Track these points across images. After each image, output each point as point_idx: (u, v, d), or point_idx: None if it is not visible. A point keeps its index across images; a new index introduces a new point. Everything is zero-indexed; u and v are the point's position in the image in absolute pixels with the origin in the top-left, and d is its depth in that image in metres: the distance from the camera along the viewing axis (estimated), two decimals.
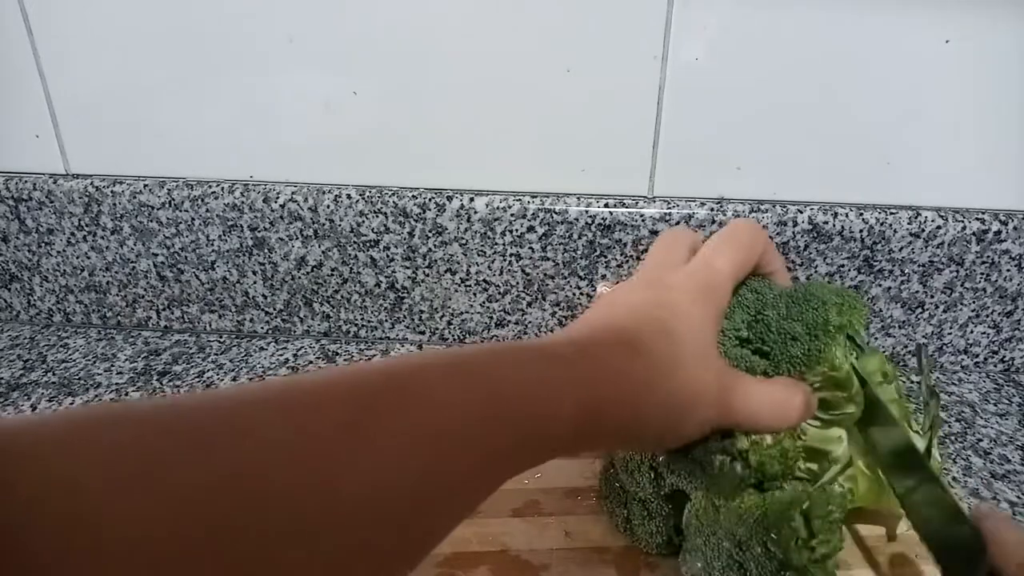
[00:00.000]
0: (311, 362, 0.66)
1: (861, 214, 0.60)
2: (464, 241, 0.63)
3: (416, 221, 0.63)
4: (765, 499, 0.37)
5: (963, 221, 0.60)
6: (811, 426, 0.39)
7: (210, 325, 0.70)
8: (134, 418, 0.21)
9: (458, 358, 0.29)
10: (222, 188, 0.64)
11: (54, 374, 0.65)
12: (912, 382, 0.63)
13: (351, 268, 0.66)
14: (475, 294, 0.66)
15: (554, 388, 0.30)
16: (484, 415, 0.28)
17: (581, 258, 0.63)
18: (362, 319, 0.68)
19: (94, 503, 0.18)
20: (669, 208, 0.61)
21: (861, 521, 0.46)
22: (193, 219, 0.65)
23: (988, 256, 0.60)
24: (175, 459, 0.20)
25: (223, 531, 0.20)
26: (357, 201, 0.63)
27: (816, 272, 0.62)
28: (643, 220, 0.61)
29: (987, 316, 0.63)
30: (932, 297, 0.62)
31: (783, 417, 0.36)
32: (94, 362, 0.66)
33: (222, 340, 0.70)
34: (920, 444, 0.40)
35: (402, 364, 0.28)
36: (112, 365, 0.66)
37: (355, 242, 0.64)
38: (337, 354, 0.67)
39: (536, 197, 0.62)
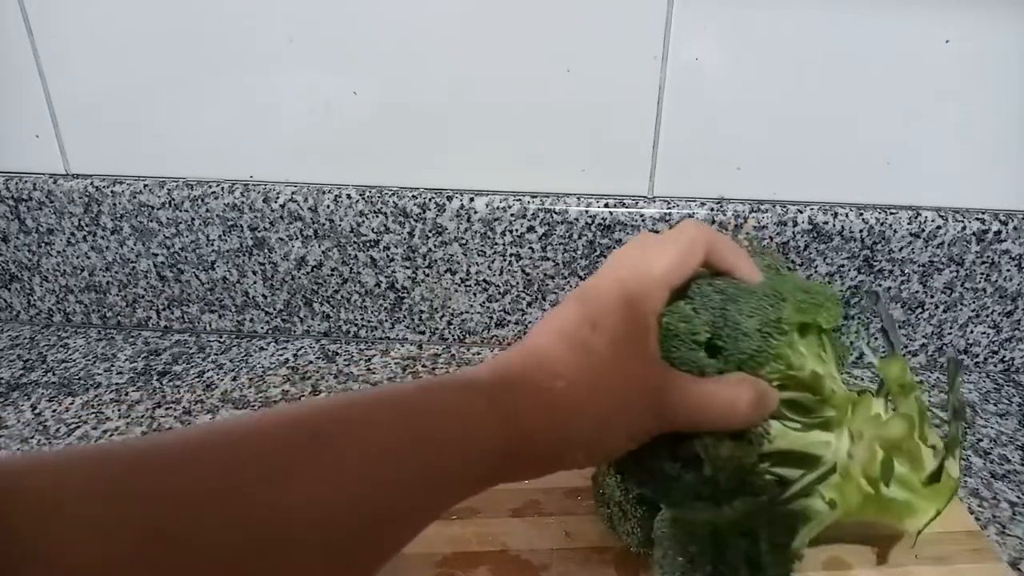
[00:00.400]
0: (311, 362, 0.66)
1: (861, 214, 0.60)
2: (464, 241, 0.63)
3: (416, 221, 0.63)
4: (715, 516, 0.36)
5: (963, 221, 0.60)
6: (790, 428, 0.37)
7: (210, 325, 0.70)
8: (114, 457, 0.24)
9: (383, 396, 0.30)
10: (222, 188, 0.64)
11: (54, 374, 0.65)
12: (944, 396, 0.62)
13: (351, 268, 0.66)
14: (475, 294, 0.66)
15: (478, 424, 0.31)
16: (408, 452, 0.29)
17: (581, 258, 0.63)
18: (362, 319, 0.68)
19: (76, 535, 0.21)
20: (669, 208, 0.61)
21: (849, 539, 0.44)
22: (193, 219, 0.65)
23: (988, 256, 0.60)
24: (139, 495, 0.23)
25: (170, 557, 0.23)
26: (357, 201, 0.63)
27: (816, 272, 0.62)
28: (643, 220, 0.61)
29: (987, 316, 0.63)
30: (932, 297, 0.62)
31: (730, 415, 0.35)
32: (94, 362, 0.66)
33: (222, 340, 0.70)
34: (929, 463, 0.39)
35: (327, 405, 0.29)
36: (112, 365, 0.66)
37: (355, 242, 0.64)
38: (337, 354, 0.67)
39: (536, 197, 0.62)
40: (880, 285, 0.62)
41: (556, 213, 0.62)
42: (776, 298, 0.38)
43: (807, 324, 0.37)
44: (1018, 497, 0.51)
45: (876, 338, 0.64)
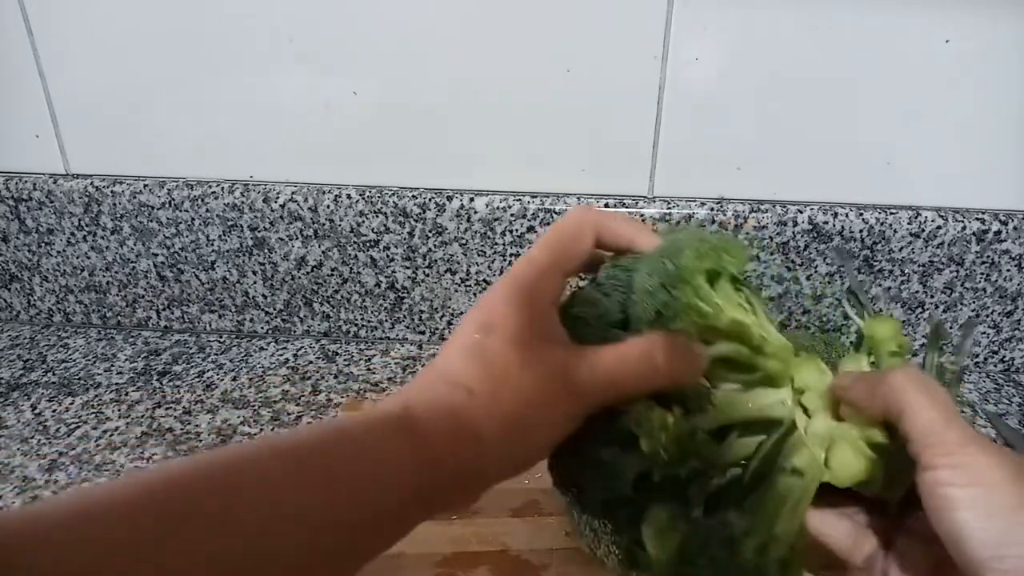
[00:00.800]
0: (311, 362, 0.66)
1: (861, 214, 0.60)
2: (464, 241, 0.63)
3: (416, 221, 0.63)
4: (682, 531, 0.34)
5: (963, 221, 0.59)
6: (734, 393, 0.35)
7: (210, 325, 0.70)
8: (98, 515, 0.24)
9: (285, 446, 0.29)
10: (222, 188, 0.64)
11: (54, 374, 0.65)
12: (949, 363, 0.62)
13: (351, 268, 0.66)
14: (475, 294, 0.66)
15: (386, 459, 0.30)
16: (312, 505, 0.28)
17: None
18: (362, 319, 0.68)
19: None
20: (669, 208, 0.61)
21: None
22: (193, 219, 0.65)
23: (988, 256, 0.60)
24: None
25: None
26: (357, 201, 0.63)
27: (816, 272, 0.62)
28: (643, 220, 0.61)
29: (987, 316, 0.63)
30: (932, 297, 0.62)
31: (648, 372, 0.33)
32: (94, 362, 0.66)
33: (222, 340, 0.70)
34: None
35: (227, 459, 0.28)
36: (112, 365, 0.66)
37: (355, 242, 0.64)
38: (337, 354, 0.67)
39: (536, 197, 0.62)
40: (880, 285, 0.62)
41: (556, 213, 0.61)
42: (674, 250, 0.35)
43: (715, 272, 0.35)
44: None
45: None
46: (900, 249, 0.60)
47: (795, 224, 0.60)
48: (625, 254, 0.38)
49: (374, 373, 0.65)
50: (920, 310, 0.63)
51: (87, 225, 0.66)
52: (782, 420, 0.35)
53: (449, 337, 0.35)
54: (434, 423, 0.31)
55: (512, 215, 0.62)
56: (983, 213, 0.60)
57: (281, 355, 0.67)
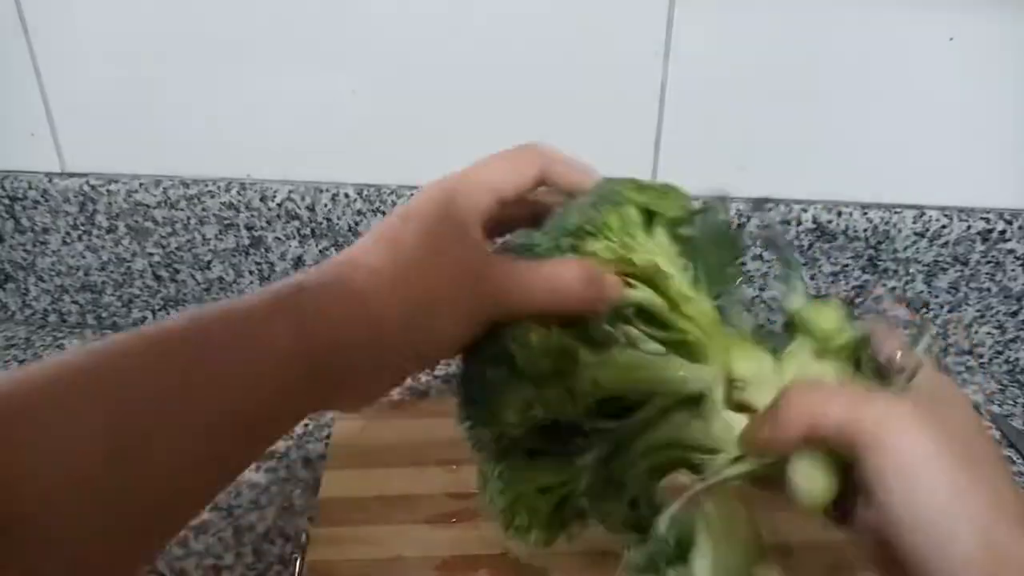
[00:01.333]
0: None
1: (865, 213, 0.59)
2: None
3: None
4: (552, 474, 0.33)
5: (968, 220, 0.59)
6: (644, 350, 0.33)
7: None
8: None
9: (158, 331, 0.28)
10: (218, 187, 0.63)
11: None
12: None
13: None
14: None
15: (265, 331, 0.29)
16: (184, 385, 0.27)
17: None
18: None
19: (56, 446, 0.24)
20: None
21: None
22: (189, 218, 0.64)
23: (993, 256, 0.60)
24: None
25: None
26: (355, 200, 0.62)
27: (820, 272, 0.61)
28: None
29: (992, 316, 0.63)
30: (937, 297, 0.62)
31: (557, 288, 0.33)
32: None
33: None
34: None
35: (98, 351, 0.27)
36: None
37: (353, 241, 0.64)
38: None
39: None
40: (884, 284, 0.62)
41: None
42: (614, 180, 0.35)
43: (651, 213, 0.34)
44: None
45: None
46: (905, 248, 0.60)
47: (799, 223, 0.60)
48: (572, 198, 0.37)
49: None
50: (924, 310, 0.63)
51: (82, 224, 0.66)
52: (693, 397, 0.33)
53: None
54: (326, 300, 0.30)
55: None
56: (988, 212, 0.59)
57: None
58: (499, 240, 0.38)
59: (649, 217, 0.34)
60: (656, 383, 0.33)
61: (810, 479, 0.28)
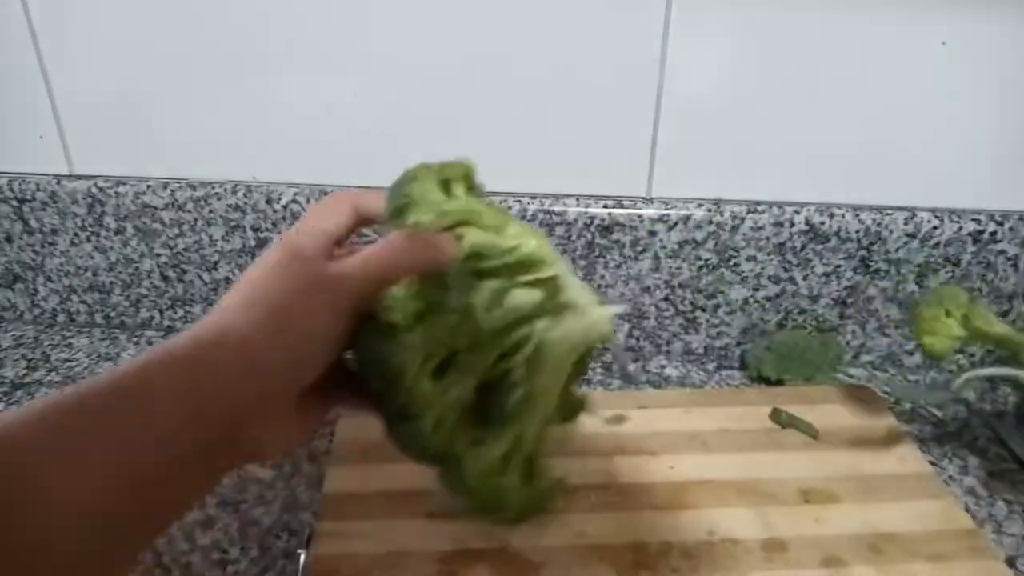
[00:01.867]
0: None
1: (857, 215, 0.60)
2: None
3: None
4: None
5: (959, 221, 0.60)
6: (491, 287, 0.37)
7: None
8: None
9: (73, 395, 0.29)
10: (225, 189, 0.64)
11: (58, 373, 0.65)
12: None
13: None
14: None
15: (155, 407, 0.30)
16: (85, 447, 0.28)
17: (580, 259, 0.63)
18: None
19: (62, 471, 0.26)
20: (667, 209, 0.61)
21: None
22: (196, 220, 0.65)
23: (984, 256, 0.61)
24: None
25: None
26: None
27: (812, 272, 0.62)
28: (641, 221, 0.61)
29: None
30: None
31: (395, 259, 0.36)
32: (98, 361, 0.67)
33: None
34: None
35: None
36: (116, 364, 0.66)
37: (356, 242, 0.64)
38: None
39: (535, 198, 0.63)
40: (876, 285, 0.63)
41: (555, 214, 0.62)
42: (405, 173, 0.41)
43: (446, 182, 0.40)
44: (1014, 495, 0.51)
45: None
46: (896, 250, 0.61)
47: (792, 225, 0.61)
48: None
49: None
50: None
51: (91, 226, 0.67)
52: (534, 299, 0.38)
53: None
54: (195, 345, 0.32)
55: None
56: (979, 214, 0.60)
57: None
58: None
59: (446, 184, 0.40)
60: (507, 307, 0.37)
61: None
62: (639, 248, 0.62)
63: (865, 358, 0.66)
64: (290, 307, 0.34)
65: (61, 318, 0.72)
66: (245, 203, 0.64)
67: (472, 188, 0.42)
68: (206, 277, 0.68)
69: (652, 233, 0.62)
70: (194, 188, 0.64)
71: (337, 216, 0.40)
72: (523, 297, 0.37)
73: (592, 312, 0.39)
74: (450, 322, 0.36)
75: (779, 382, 0.62)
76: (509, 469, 0.39)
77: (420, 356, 0.35)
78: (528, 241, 0.38)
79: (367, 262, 0.36)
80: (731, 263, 0.62)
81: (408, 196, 0.39)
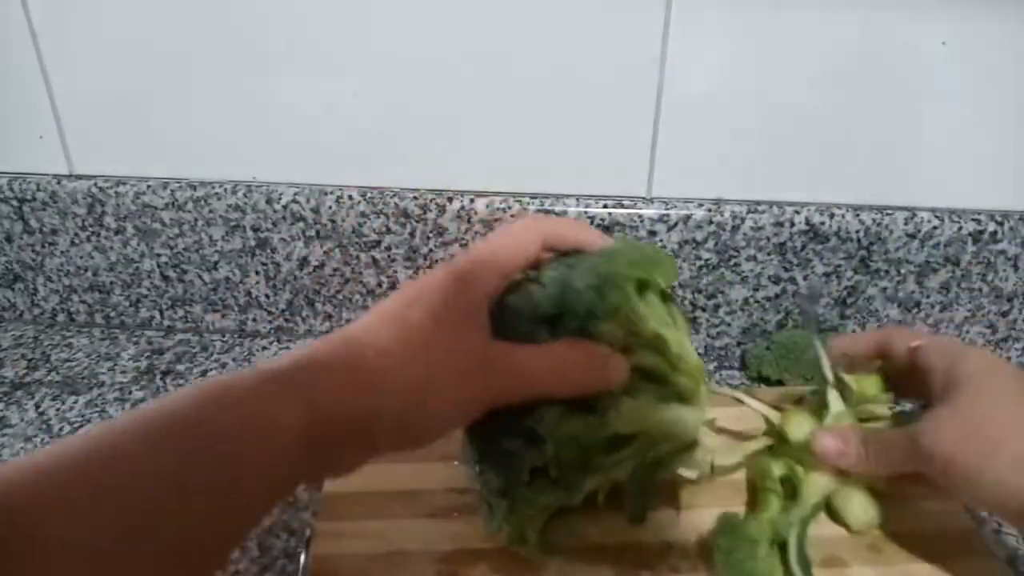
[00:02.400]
0: None
1: (858, 215, 0.60)
2: (465, 242, 0.64)
3: (417, 222, 0.63)
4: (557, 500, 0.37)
5: (959, 221, 0.60)
6: (645, 403, 0.37)
7: (213, 325, 0.71)
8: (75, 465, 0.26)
9: (159, 414, 0.28)
10: (225, 189, 0.64)
11: (58, 373, 0.65)
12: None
13: (353, 268, 0.66)
14: None
15: (268, 411, 0.29)
16: (186, 469, 0.27)
17: None
18: None
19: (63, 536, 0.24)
20: (667, 209, 0.61)
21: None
22: (196, 220, 0.65)
23: (984, 256, 0.61)
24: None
25: None
26: (359, 202, 0.63)
27: (813, 272, 0.62)
28: (641, 221, 0.61)
29: (983, 316, 0.64)
30: (928, 297, 0.63)
31: (560, 379, 0.35)
32: (97, 361, 0.67)
33: (225, 339, 0.70)
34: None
35: (100, 437, 0.27)
36: (116, 364, 0.66)
37: (357, 243, 0.65)
38: None
39: (535, 198, 0.63)
40: (876, 285, 0.63)
41: (555, 214, 0.62)
42: (609, 256, 0.37)
43: (645, 282, 0.37)
44: None
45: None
46: (896, 250, 0.61)
47: (792, 225, 0.61)
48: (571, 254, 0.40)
49: None
50: (916, 310, 0.64)
51: (91, 226, 0.67)
52: (685, 438, 0.38)
53: (371, 308, 0.35)
54: (330, 382, 0.31)
55: (512, 216, 0.62)
56: (979, 214, 0.60)
57: (284, 354, 0.68)
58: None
59: (642, 286, 0.37)
60: (654, 426, 0.37)
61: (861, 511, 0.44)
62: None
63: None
64: (439, 378, 0.33)
65: (61, 318, 0.72)
66: (245, 203, 0.64)
67: (666, 295, 0.40)
68: (206, 277, 0.68)
69: (652, 233, 0.62)
70: (194, 188, 0.64)
71: (523, 254, 0.38)
72: (666, 425, 0.38)
73: (703, 453, 0.40)
74: (587, 423, 0.36)
75: (779, 382, 0.62)
76: None
77: (541, 463, 0.36)
78: (697, 388, 0.39)
79: (538, 381, 0.34)
80: (731, 263, 0.62)
81: (609, 308, 0.36)
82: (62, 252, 0.69)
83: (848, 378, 0.48)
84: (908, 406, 0.49)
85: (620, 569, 0.44)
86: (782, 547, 0.43)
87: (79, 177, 0.66)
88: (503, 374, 0.34)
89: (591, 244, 0.40)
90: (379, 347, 0.32)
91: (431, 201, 0.63)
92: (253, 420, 0.29)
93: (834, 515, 0.47)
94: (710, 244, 0.62)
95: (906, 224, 0.60)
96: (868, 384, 0.48)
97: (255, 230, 0.65)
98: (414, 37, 0.59)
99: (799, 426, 0.47)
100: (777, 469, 0.46)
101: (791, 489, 0.46)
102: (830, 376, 0.49)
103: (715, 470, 0.43)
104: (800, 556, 0.42)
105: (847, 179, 0.61)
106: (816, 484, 0.45)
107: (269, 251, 0.66)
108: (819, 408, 0.49)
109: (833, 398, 0.48)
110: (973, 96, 0.58)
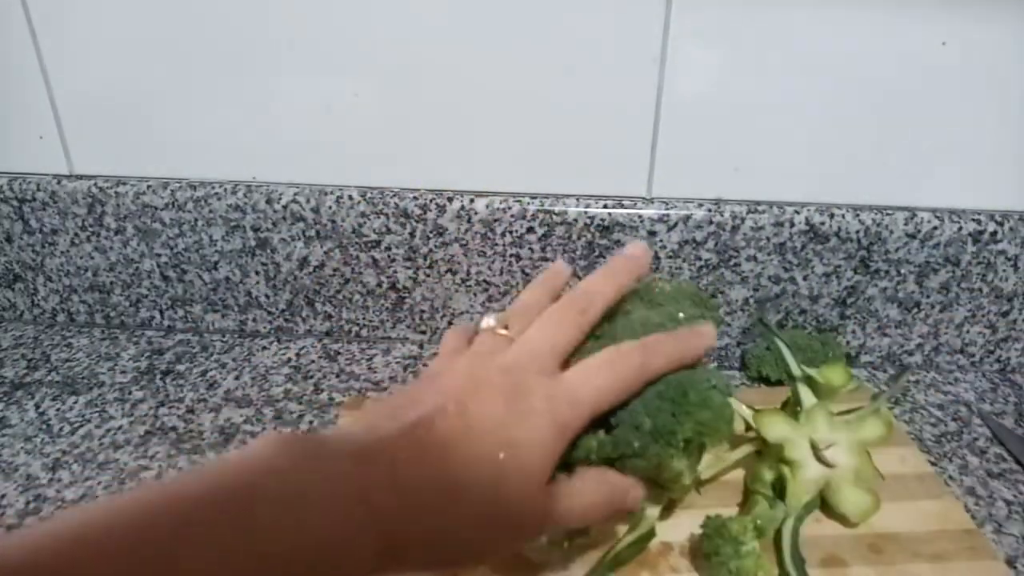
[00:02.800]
0: (313, 361, 0.67)
1: (857, 215, 0.60)
2: (464, 242, 0.64)
3: (417, 222, 0.63)
4: None
5: (959, 222, 0.60)
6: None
7: (213, 325, 0.71)
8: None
9: (195, 507, 0.27)
10: (225, 189, 0.64)
11: (58, 373, 0.65)
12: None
13: (353, 268, 0.66)
14: (475, 294, 0.66)
15: (316, 516, 0.28)
16: (222, 565, 0.26)
17: (580, 259, 0.63)
18: (364, 319, 0.69)
19: None
20: (667, 209, 0.61)
21: None
22: (196, 220, 0.65)
23: (984, 256, 0.61)
24: None
25: None
26: (359, 202, 0.63)
27: (813, 272, 0.62)
28: (641, 221, 0.62)
29: (983, 316, 0.64)
30: (928, 297, 0.63)
31: (590, 517, 0.39)
32: (98, 361, 0.67)
33: (225, 339, 0.70)
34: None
35: (124, 519, 0.26)
36: (115, 364, 0.66)
37: (357, 243, 0.65)
38: (339, 353, 0.68)
39: (536, 198, 0.63)
40: (876, 285, 0.63)
41: (555, 214, 0.62)
42: (679, 405, 0.39)
43: (691, 440, 0.39)
44: (1014, 496, 0.51)
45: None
46: (896, 250, 0.61)
47: (792, 225, 0.61)
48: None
49: (375, 372, 0.65)
50: (916, 310, 0.64)
51: (91, 226, 0.67)
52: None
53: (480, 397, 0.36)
54: (402, 499, 0.31)
55: (512, 216, 0.62)
56: (979, 214, 0.60)
57: (283, 354, 0.68)
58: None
59: (687, 445, 0.40)
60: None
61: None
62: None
63: (865, 358, 0.66)
64: (503, 524, 0.34)
65: (61, 318, 0.73)
66: (245, 203, 0.64)
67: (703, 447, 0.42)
68: (206, 277, 0.68)
69: (652, 233, 0.62)
70: (194, 188, 0.65)
71: (618, 394, 0.38)
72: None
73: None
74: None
75: (779, 382, 0.62)
76: None
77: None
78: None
79: (571, 519, 0.37)
80: (731, 263, 0.62)
81: (657, 459, 0.39)
82: (62, 252, 0.69)
83: (812, 371, 0.51)
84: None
85: (620, 569, 0.44)
86: (777, 547, 0.43)
87: (79, 177, 0.66)
88: (556, 513, 0.36)
89: (691, 359, 0.41)
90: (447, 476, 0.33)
91: (431, 201, 0.63)
92: (305, 527, 0.28)
93: (831, 511, 0.47)
94: (710, 244, 0.62)
95: (906, 224, 0.60)
96: (833, 374, 0.50)
97: (255, 230, 0.65)
98: (414, 37, 0.59)
99: (772, 426, 0.48)
100: (768, 472, 0.47)
101: (782, 489, 0.46)
102: (797, 371, 0.51)
103: (700, 483, 0.47)
104: (794, 554, 0.42)
105: (847, 179, 0.61)
106: (805, 481, 0.46)
107: (269, 251, 0.66)
108: (794, 404, 0.51)
109: (804, 393, 0.50)
110: (973, 96, 0.58)
